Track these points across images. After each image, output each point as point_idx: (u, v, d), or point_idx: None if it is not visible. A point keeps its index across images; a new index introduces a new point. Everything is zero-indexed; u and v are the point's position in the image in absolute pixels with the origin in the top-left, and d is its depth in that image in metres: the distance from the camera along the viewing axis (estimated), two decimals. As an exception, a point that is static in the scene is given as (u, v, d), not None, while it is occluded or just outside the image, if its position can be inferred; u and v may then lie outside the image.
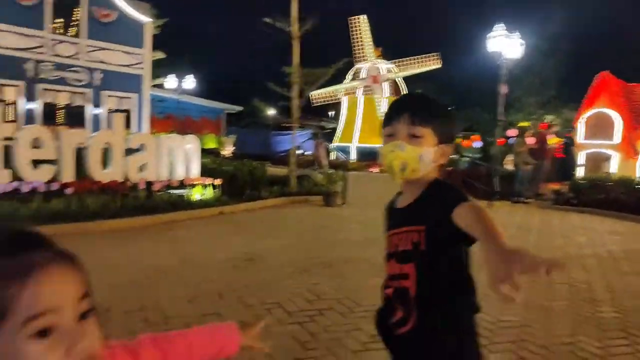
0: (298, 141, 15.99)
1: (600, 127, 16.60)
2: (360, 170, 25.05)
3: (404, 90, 36.11)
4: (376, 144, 34.33)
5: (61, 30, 18.38)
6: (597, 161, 16.77)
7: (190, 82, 29.03)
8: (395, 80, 36.08)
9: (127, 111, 19.50)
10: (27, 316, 0.63)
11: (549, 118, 27.25)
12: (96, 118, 19.25)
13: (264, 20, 13.45)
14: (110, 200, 8.71)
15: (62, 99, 18.70)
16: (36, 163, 8.75)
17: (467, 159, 23.15)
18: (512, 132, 19.88)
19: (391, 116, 1.51)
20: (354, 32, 35.52)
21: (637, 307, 4.82)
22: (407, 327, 1.45)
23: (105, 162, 9.62)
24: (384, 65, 35.62)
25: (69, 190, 8.60)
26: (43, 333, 0.64)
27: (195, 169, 10.91)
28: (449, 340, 1.40)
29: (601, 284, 5.60)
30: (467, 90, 36.25)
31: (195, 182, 10.51)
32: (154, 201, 9.28)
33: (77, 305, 0.68)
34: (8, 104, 17.08)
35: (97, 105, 19.26)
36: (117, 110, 18.71)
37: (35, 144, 8.86)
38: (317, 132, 23.96)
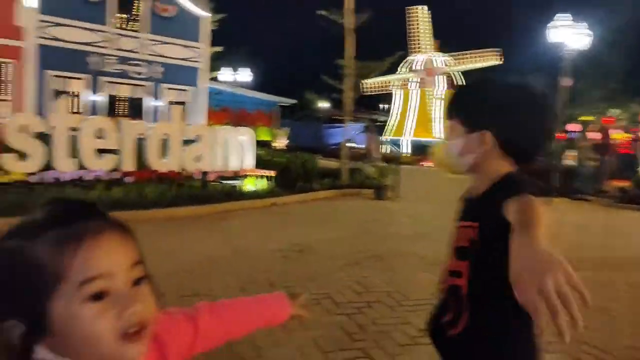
0: (350, 134, 15.95)
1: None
2: (412, 164, 24.74)
3: (460, 83, 35.28)
4: (428, 137, 33.82)
5: (123, 25, 19.09)
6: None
7: (245, 75, 29.52)
8: (451, 74, 35.24)
9: (184, 103, 20.08)
10: (82, 280, 0.66)
11: (614, 112, 25.92)
12: (155, 110, 19.92)
13: (318, 12, 13.48)
14: (167, 190, 9.01)
15: (123, 92, 19.47)
16: (99, 152, 9.16)
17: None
18: (573, 126, 19.06)
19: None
20: (411, 23, 34.93)
21: None
22: (457, 328, 1.41)
23: (163, 152, 9.96)
24: (439, 58, 34.89)
25: (129, 179, 8.95)
26: (96, 297, 0.67)
27: (249, 161, 11.11)
28: (502, 346, 1.33)
29: (668, 287, 5.31)
30: None
31: (248, 174, 10.70)
32: (209, 191, 9.53)
33: (130, 271, 0.71)
34: (73, 96, 17.95)
35: (156, 97, 19.92)
36: (175, 103, 19.32)
37: (99, 135, 9.28)
38: (369, 125, 23.83)
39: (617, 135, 14.80)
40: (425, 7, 34.44)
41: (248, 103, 31.89)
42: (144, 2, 19.06)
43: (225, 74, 28.75)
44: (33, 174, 8.18)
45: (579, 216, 10.21)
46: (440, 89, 34.30)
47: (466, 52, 34.28)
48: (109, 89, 18.97)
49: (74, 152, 8.89)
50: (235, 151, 10.88)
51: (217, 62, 26.69)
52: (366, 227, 8.21)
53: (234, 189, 10.03)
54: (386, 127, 36.06)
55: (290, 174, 11.72)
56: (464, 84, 1.75)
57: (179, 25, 19.86)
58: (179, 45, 20.14)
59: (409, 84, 35.44)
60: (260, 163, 11.69)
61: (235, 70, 28.86)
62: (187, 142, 10.32)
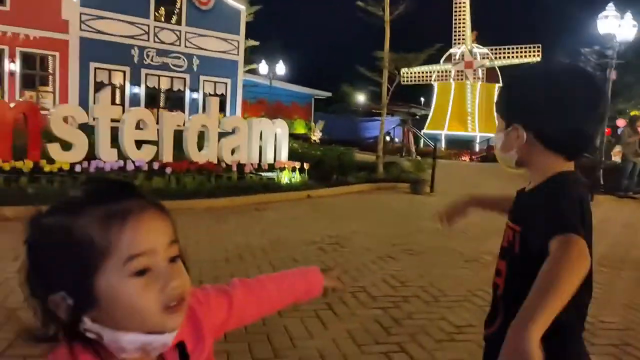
0: (386, 127, 15.81)
1: None
2: (450, 159, 24.37)
3: (500, 78, 34.52)
4: (463, 132, 33.25)
5: (163, 19, 19.44)
6: None
7: (281, 67, 29.63)
8: (494, 68, 34.44)
9: (221, 95, 20.32)
10: (128, 256, 0.69)
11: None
12: (193, 102, 20.24)
13: (356, 3, 13.38)
14: (205, 181, 9.15)
15: (163, 84, 19.85)
16: (140, 143, 9.36)
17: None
18: (620, 122, 18.37)
19: None
20: (457, 13, 34.26)
21: None
22: (493, 328, 1.38)
23: (200, 144, 10.10)
24: (479, 51, 34.18)
25: (168, 170, 9.12)
26: (140, 272, 0.70)
27: (284, 153, 11.15)
28: None
29: None
30: None
31: (284, 166, 10.74)
32: (246, 182, 9.62)
33: (168, 249, 0.74)
34: (115, 88, 18.40)
35: (194, 89, 20.23)
36: (212, 95, 19.58)
37: (139, 126, 9.48)
38: (406, 118, 23.59)
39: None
40: None
41: (284, 96, 32.03)
42: (184, -5, 19.36)
43: (263, 67, 28.92)
44: (76, 163, 8.42)
45: (624, 214, 9.86)
46: (477, 83, 33.63)
47: (505, 46, 33.44)
48: (149, 81, 19.37)
49: (116, 142, 9.11)
50: (271, 143, 10.94)
51: (253, 55, 26.87)
52: (401, 221, 8.13)
53: (270, 181, 10.10)
54: (426, 122, 35.63)
55: (325, 166, 11.71)
56: (510, 77, 1.58)
57: (216, 18, 20.09)
58: (217, 38, 20.38)
59: (448, 76, 34.87)
60: (296, 156, 11.73)
61: (271, 63, 28.99)
62: (223, 134, 10.43)
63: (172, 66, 19.55)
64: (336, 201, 9.81)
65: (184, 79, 19.97)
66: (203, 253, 5.41)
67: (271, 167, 10.75)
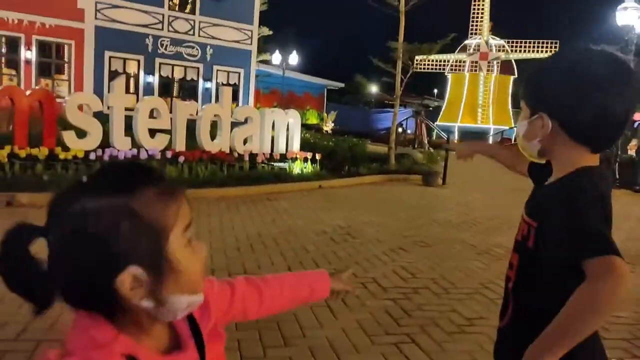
0: (399, 119, 15.72)
1: None
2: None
3: (515, 70, 34.13)
4: (472, 124, 32.96)
5: (177, 8, 19.44)
6: None
7: (294, 57, 29.56)
8: (511, 61, 34.02)
9: (234, 85, 20.33)
10: (184, 225, 0.78)
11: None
12: (206, 91, 20.27)
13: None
14: (217, 170, 9.19)
15: (177, 73, 19.90)
16: (153, 132, 9.42)
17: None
18: (637, 115, 18.09)
19: None
20: (476, 3, 33.84)
21: None
22: (503, 321, 1.37)
23: (213, 133, 10.13)
24: (495, 42, 33.78)
25: (181, 159, 9.17)
26: (189, 241, 0.79)
27: (297, 143, 11.15)
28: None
29: None
30: None
31: (296, 156, 10.75)
32: (258, 172, 9.65)
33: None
34: (130, 77, 18.48)
35: (207, 79, 20.26)
36: (225, 84, 19.60)
37: (153, 115, 9.53)
38: (419, 110, 23.43)
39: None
40: None
41: (297, 86, 31.99)
42: (197, -16, 19.33)
43: (275, 57, 28.89)
44: (91, 151, 8.49)
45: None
46: (492, 75, 33.27)
47: (521, 40, 33.00)
48: (163, 71, 19.43)
49: (130, 131, 9.17)
50: (283, 133, 10.94)
51: (266, 45, 26.82)
52: (413, 213, 8.12)
53: (282, 171, 10.12)
54: (440, 114, 35.38)
55: (337, 157, 11.71)
56: (537, 64, 1.48)
57: (230, 8, 20.05)
58: (231, 27, 20.34)
59: (462, 68, 34.53)
60: (308, 146, 11.72)
61: (284, 53, 28.93)
62: (236, 124, 10.45)
63: (185, 55, 19.58)
64: (348, 192, 9.81)
65: (198, 68, 20.00)
66: (215, 242, 5.45)
67: (283, 157, 10.76)
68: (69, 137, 8.50)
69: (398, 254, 5.52)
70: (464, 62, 34.35)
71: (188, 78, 20.07)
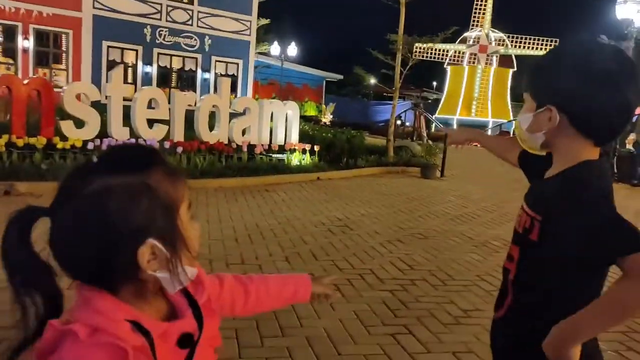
0: (398, 111, 15.69)
1: None
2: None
3: (514, 63, 34.04)
4: (468, 117, 32.90)
5: (176, -3, 19.30)
6: None
7: (292, 49, 29.45)
8: (510, 55, 33.89)
9: (233, 76, 20.26)
10: (189, 202, 0.85)
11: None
12: (205, 82, 20.20)
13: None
14: (215, 160, 9.18)
15: (175, 63, 19.81)
16: (151, 122, 9.39)
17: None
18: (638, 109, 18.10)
19: None
20: None
21: None
22: (500, 312, 1.37)
23: (212, 124, 10.11)
24: (495, 35, 33.67)
25: (179, 149, 9.15)
26: (192, 217, 0.87)
27: (295, 135, 11.13)
28: (534, 342, 1.18)
29: None
30: None
31: (294, 147, 10.74)
32: (256, 163, 9.64)
33: None
34: (128, 67, 18.39)
35: (206, 69, 20.18)
36: (224, 75, 19.53)
37: (151, 105, 9.49)
38: (417, 102, 23.39)
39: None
40: None
41: (295, 77, 31.89)
42: (196, -27, 19.19)
43: (274, 48, 28.78)
44: (89, 140, 8.47)
45: (638, 203, 9.77)
46: (491, 68, 33.20)
47: (522, 36, 32.87)
48: (161, 61, 19.35)
49: (128, 121, 9.14)
50: (282, 125, 10.92)
51: (265, 36, 26.71)
52: (411, 205, 8.13)
53: (280, 162, 10.11)
54: (439, 106, 35.32)
55: (336, 149, 11.70)
56: (544, 55, 1.45)
57: (229, -3, 19.92)
58: (229, 17, 20.23)
59: (461, 60, 34.42)
60: (306, 138, 11.70)
61: (283, 44, 28.82)
62: (234, 115, 10.42)
63: (184, 46, 19.49)
64: (346, 184, 9.81)
65: (196, 58, 19.91)
66: (213, 232, 5.46)
67: (281, 149, 10.75)
68: (66, 126, 8.47)
69: (395, 245, 5.54)
70: (463, 53, 34.23)
71: (186, 68, 19.99)
